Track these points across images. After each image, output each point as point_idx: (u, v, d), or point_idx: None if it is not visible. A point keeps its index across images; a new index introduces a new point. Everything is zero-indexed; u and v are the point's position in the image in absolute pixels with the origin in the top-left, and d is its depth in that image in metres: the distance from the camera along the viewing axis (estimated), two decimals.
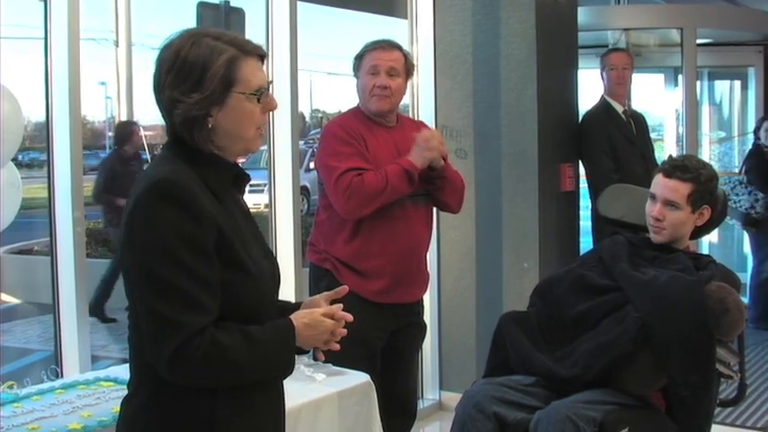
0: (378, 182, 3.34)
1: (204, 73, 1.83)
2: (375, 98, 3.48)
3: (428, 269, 3.78)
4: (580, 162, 5.27)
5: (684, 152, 6.81)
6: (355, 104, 3.61)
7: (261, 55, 1.93)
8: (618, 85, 5.24)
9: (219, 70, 1.84)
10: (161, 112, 1.91)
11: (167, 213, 1.77)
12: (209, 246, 1.80)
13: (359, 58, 3.53)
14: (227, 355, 1.79)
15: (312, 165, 8.25)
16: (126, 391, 1.97)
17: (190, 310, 1.76)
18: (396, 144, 3.53)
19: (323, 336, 2.00)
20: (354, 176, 3.34)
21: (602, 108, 5.24)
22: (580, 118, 5.36)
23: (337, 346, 2.04)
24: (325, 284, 3.37)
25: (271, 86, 1.98)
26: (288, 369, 1.94)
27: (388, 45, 3.53)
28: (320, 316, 2.00)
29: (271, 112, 1.99)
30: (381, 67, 3.47)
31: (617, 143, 5.09)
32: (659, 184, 3.23)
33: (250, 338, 1.83)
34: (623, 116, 5.23)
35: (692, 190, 3.17)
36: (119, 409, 1.98)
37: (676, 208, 3.18)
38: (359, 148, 3.43)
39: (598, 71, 5.45)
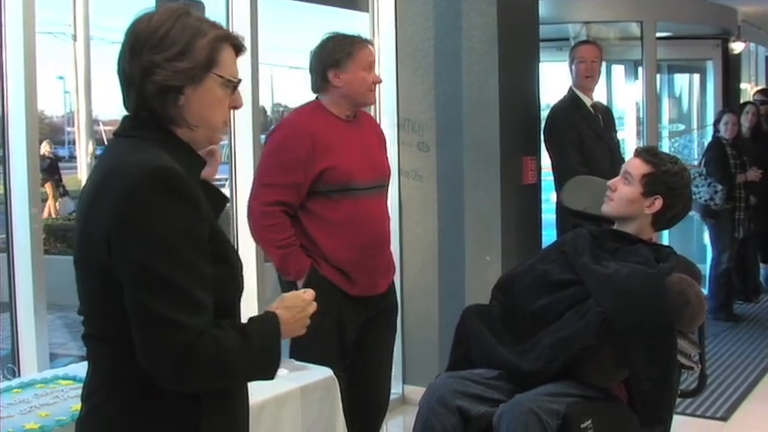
0: None
1: (190, 45, 1.76)
2: (372, 93, 3.65)
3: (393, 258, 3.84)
4: (542, 154, 5.28)
5: (644, 144, 6.87)
6: (313, 99, 3.64)
7: (238, 48, 1.87)
8: (587, 78, 5.20)
9: (207, 46, 1.78)
10: (127, 82, 1.79)
11: (171, 206, 1.66)
12: (205, 239, 1.71)
13: (349, 54, 3.54)
14: (229, 357, 1.70)
15: None
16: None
17: (193, 310, 1.66)
18: (358, 138, 3.60)
19: (306, 310, 1.92)
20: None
21: (570, 101, 5.20)
22: (542, 111, 5.37)
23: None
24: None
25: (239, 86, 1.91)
26: (277, 364, 1.83)
27: (369, 42, 3.72)
28: (291, 295, 1.93)
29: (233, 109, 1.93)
30: (373, 63, 3.62)
31: (585, 137, 5.05)
32: (628, 160, 3.41)
33: (246, 336, 1.74)
34: (591, 109, 5.19)
35: (649, 172, 3.24)
36: (77, 425, 1.85)
37: (629, 182, 3.27)
38: (295, 175, 3.44)
39: (557, 64, 5.46)
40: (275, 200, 3.43)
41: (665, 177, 3.24)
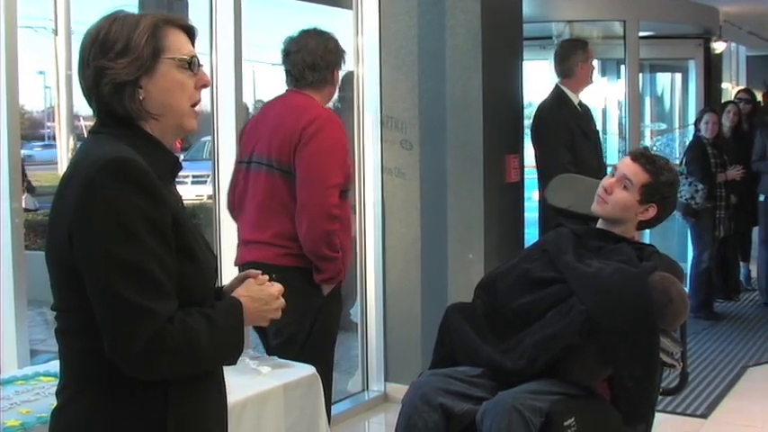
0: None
1: (130, 38, 1.77)
2: None
3: None
4: (525, 153, 5.27)
5: (627, 143, 6.91)
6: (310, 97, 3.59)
7: (185, 28, 1.87)
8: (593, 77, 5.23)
9: (145, 34, 1.78)
10: (87, 92, 1.82)
11: (128, 194, 1.66)
12: (168, 229, 1.71)
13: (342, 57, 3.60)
14: (198, 342, 1.71)
15: None
16: None
17: (160, 296, 1.67)
18: None
19: (270, 305, 1.94)
20: None
21: (558, 98, 5.14)
22: (525, 109, 5.36)
23: (278, 315, 1.97)
24: None
25: (202, 64, 1.89)
26: (240, 350, 1.85)
27: None
28: (258, 286, 1.94)
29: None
30: None
31: (574, 135, 5.00)
32: (624, 162, 3.30)
33: (211, 322, 1.76)
34: (578, 107, 5.16)
35: (648, 182, 3.20)
36: (51, 419, 1.84)
37: (627, 188, 3.21)
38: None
39: (540, 62, 5.45)
40: (338, 202, 3.37)
41: (662, 188, 3.22)
